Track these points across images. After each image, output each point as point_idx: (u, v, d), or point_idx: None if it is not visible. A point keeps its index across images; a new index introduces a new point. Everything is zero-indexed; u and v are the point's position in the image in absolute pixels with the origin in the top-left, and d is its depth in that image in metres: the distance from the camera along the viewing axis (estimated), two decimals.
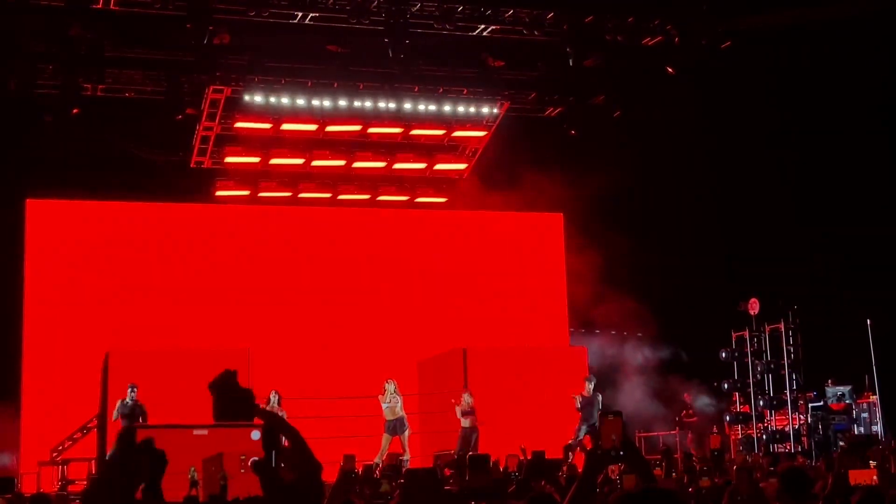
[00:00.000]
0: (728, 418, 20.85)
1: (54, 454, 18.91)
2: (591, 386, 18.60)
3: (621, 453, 4.21)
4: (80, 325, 20.67)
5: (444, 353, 21.14)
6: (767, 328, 20.41)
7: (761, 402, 20.19)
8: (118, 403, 16.99)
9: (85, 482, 16.08)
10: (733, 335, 20.93)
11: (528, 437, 17.92)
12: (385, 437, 18.18)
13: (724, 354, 20.82)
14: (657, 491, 3.32)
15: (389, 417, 18.31)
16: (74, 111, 19.73)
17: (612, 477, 7.47)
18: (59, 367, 20.21)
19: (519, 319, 23.11)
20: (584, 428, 18.28)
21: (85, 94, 20.04)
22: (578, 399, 18.37)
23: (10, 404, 19.75)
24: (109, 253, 21.38)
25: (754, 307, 20.39)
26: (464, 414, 18.37)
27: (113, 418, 17.01)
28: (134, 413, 16.75)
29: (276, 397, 17.87)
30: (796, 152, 21.59)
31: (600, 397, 18.66)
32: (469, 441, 18.04)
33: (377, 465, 16.14)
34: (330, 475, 13.63)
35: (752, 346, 20.52)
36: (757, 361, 20.47)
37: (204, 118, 20.92)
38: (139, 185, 21.22)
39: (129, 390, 16.98)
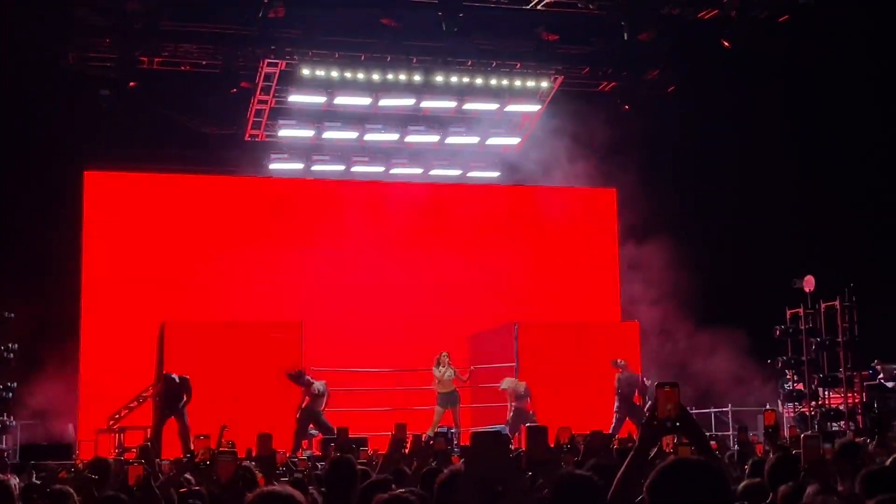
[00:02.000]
0: (781, 396, 20.67)
1: (111, 422, 19.28)
2: (622, 367, 18.66)
3: (677, 424, 4.19)
4: (137, 296, 20.96)
5: (496, 328, 21.17)
6: (823, 305, 20.16)
7: (815, 380, 19.98)
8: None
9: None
10: (787, 312, 20.71)
11: (578, 412, 17.96)
12: (437, 410, 18.27)
13: (777, 332, 20.61)
14: (692, 462, 3.31)
15: (441, 391, 18.40)
16: (131, 84, 19.99)
17: (667, 450, 7.44)
18: (115, 338, 20.53)
19: (571, 294, 23.08)
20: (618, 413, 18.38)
21: (141, 68, 20.26)
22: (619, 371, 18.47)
23: (69, 373, 20.12)
24: (164, 224, 21.65)
25: (810, 284, 20.13)
26: (518, 398, 18.38)
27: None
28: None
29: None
30: (856, 130, 21.24)
31: (635, 379, 18.65)
32: (523, 421, 18.03)
33: (429, 437, 16.21)
34: (382, 446, 13.78)
35: (806, 323, 20.27)
36: (811, 339, 20.24)
37: (258, 91, 21.05)
38: (194, 157, 21.47)
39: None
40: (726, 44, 19.83)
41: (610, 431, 17.21)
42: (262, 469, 6.54)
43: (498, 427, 16.96)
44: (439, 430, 16.17)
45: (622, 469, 4.43)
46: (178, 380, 17.20)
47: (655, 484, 3.22)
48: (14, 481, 7.62)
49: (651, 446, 4.58)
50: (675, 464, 3.26)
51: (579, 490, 4.44)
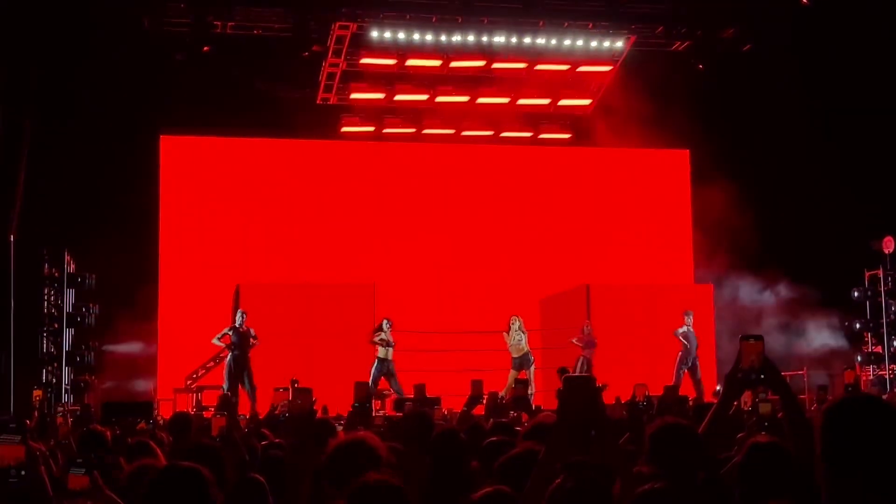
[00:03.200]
0: (859, 358, 20.37)
1: (189, 382, 19.64)
2: (690, 321, 18.71)
3: (761, 376, 4.16)
4: (212, 258, 21.29)
5: (567, 291, 21.12)
6: None
7: (895, 343, 19.66)
8: (229, 331, 17.74)
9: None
10: (866, 274, 20.36)
11: (650, 373, 17.91)
12: (511, 373, 18.34)
13: (856, 294, 20.29)
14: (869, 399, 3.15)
15: (515, 354, 18.47)
16: (205, 49, 20.17)
17: (744, 409, 7.39)
18: (192, 299, 20.88)
19: (643, 256, 22.93)
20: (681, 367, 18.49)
21: (215, 32, 20.42)
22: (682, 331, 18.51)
23: (148, 334, 20.52)
24: (239, 188, 21.90)
25: (889, 246, 19.77)
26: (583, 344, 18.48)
27: (215, 340, 17.91)
28: (244, 337, 17.59)
29: (388, 325, 18.23)
30: None
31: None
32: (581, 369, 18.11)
33: (503, 397, 16.32)
34: (456, 406, 13.89)
35: (885, 285, 19.93)
36: (891, 301, 19.90)
37: (330, 54, 21.10)
38: (267, 121, 21.60)
39: (240, 315, 17.72)
40: (805, 0, 19.39)
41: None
42: (359, 417, 6.61)
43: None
44: (518, 380, 16.43)
45: (706, 421, 4.42)
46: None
47: (831, 422, 3.05)
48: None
49: (735, 398, 4.56)
50: (846, 401, 3.11)
51: (678, 437, 4.40)
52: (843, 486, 2.98)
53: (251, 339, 17.78)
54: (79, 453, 6.21)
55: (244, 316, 17.91)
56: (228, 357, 17.80)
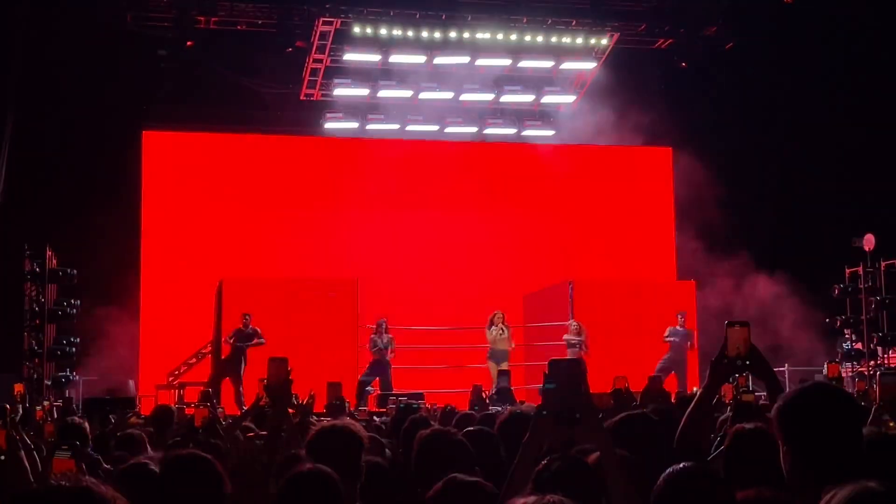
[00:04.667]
0: (840, 355, 20.45)
1: (171, 378, 19.57)
2: (682, 320, 18.79)
3: (747, 362, 4.15)
4: (195, 254, 21.20)
5: (551, 287, 21.14)
6: (883, 264, 19.88)
7: (875, 340, 19.74)
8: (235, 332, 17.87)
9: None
10: (847, 271, 20.45)
11: (632, 370, 17.92)
12: (491, 365, 18.35)
13: (836, 290, 20.38)
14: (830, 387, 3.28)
15: (495, 348, 18.50)
16: (188, 44, 20.10)
17: (726, 401, 7.39)
18: (175, 295, 20.79)
19: (626, 253, 22.97)
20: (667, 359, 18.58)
21: (198, 28, 20.35)
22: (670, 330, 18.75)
23: (130, 330, 20.42)
24: (221, 183, 21.81)
25: (869, 243, 19.85)
26: (570, 345, 18.47)
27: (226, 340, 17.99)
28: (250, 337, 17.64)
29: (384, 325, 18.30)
30: None
31: (693, 334, 18.92)
32: None
33: (493, 393, 16.34)
34: (438, 401, 13.89)
35: (866, 282, 20.01)
36: (871, 298, 19.98)
37: (313, 50, 21.06)
38: (250, 117, 21.57)
39: (244, 318, 17.80)
40: None
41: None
42: (331, 416, 6.60)
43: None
44: (501, 370, 16.50)
45: (690, 408, 4.42)
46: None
47: (791, 408, 3.21)
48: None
49: (720, 385, 4.55)
50: (814, 387, 3.27)
51: (637, 429, 4.43)
52: (808, 470, 3.15)
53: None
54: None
55: (248, 318, 18.05)
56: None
